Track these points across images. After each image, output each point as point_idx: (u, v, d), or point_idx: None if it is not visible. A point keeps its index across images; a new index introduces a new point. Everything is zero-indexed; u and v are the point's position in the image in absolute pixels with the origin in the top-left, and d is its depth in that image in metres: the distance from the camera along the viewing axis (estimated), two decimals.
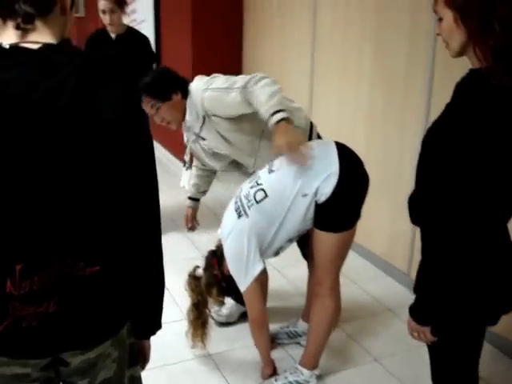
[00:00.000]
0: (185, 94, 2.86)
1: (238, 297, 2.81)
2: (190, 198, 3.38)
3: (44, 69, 1.13)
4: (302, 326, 2.96)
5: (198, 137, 2.93)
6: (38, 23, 1.18)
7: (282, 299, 3.43)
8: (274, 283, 3.31)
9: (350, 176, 2.36)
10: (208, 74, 2.93)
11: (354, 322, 3.23)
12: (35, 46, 1.15)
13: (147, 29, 6.45)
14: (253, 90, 2.49)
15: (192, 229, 3.44)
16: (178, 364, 2.81)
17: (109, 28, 3.99)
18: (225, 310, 3.15)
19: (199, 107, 2.78)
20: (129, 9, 6.97)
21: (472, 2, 1.56)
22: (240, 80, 2.63)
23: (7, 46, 1.12)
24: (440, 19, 1.65)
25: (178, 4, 5.66)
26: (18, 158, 1.12)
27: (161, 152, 6.46)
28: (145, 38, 4.09)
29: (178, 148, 5.97)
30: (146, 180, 1.30)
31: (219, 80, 2.77)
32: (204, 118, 2.79)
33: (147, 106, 2.83)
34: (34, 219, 1.16)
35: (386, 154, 3.59)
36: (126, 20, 7.03)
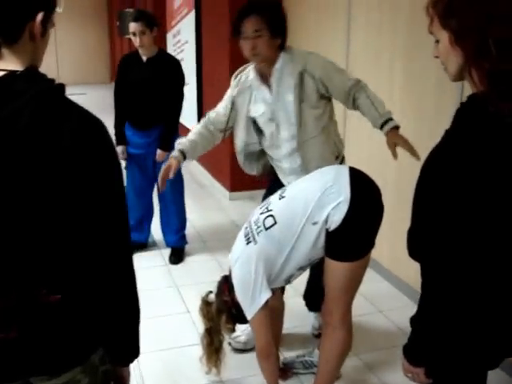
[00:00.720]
0: (282, 45, 2.74)
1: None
2: (180, 150, 2.89)
3: (2, 97, 1.13)
4: (318, 355, 2.85)
5: (277, 93, 2.76)
6: (5, 51, 1.18)
7: (300, 323, 3.35)
8: (294, 306, 3.24)
9: (362, 204, 2.27)
10: None
11: (375, 352, 3.11)
12: (0, 74, 1.15)
13: (190, 49, 6.54)
14: (367, 88, 2.72)
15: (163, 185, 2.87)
16: None
17: (140, 51, 4.03)
18: (243, 337, 3.09)
19: (298, 62, 2.71)
20: (174, 30, 7.14)
21: (467, 22, 1.47)
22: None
23: None
24: (437, 41, 1.57)
25: (217, 23, 5.71)
26: None
27: (205, 176, 6.49)
28: (176, 61, 4.11)
29: (220, 173, 6.00)
30: (108, 206, 1.26)
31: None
32: (301, 74, 2.69)
33: (254, 24, 2.64)
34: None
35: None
36: (170, 42, 7.20)
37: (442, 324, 1.55)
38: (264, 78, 2.80)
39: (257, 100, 2.83)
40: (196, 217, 5.07)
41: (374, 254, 3.44)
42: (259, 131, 2.90)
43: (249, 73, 2.86)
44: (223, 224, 5.09)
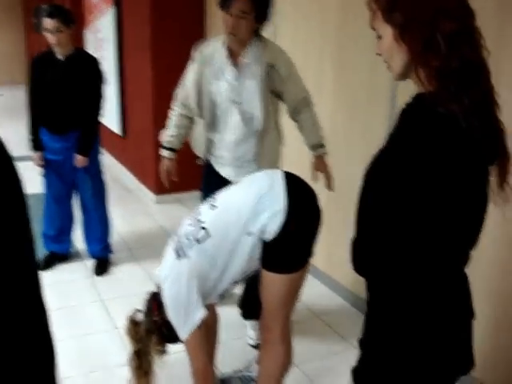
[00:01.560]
0: (258, 32, 2.82)
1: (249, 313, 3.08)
2: (170, 148, 3.10)
3: None
4: (256, 370, 2.70)
5: (241, 77, 2.80)
6: None
7: (237, 335, 3.19)
8: (228, 315, 3.09)
9: (299, 212, 2.13)
10: (169, 89, 3.14)
11: (316, 362, 2.99)
12: None
13: (110, 47, 6.26)
14: (313, 108, 2.95)
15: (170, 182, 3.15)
16: None
17: (56, 49, 3.73)
18: (253, 332, 3.10)
19: (268, 54, 2.80)
20: (92, 27, 6.81)
21: (413, 15, 1.34)
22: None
23: None
24: (379, 37, 1.43)
25: (139, 19, 5.47)
26: None
27: (131, 180, 6.21)
28: (94, 59, 3.84)
29: (146, 176, 5.75)
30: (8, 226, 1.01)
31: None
32: (270, 67, 2.78)
33: (243, 5, 2.67)
34: None
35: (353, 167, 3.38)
36: (88, 39, 6.87)
37: (393, 344, 1.43)
38: (233, 57, 2.82)
39: (220, 77, 2.83)
40: (121, 223, 4.81)
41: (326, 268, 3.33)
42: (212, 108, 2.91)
43: (215, 48, 2.86)
44: (150, 230, 4.86)
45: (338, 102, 3.51)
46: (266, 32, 3.98)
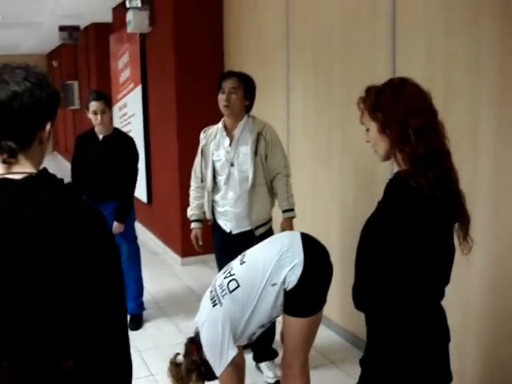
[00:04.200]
0: (249, 108, 3.55)
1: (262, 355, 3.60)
2: (196, 220, 3.75)
3: (25, 200, 1.37)
4: None
5: (236, 145, 3.48)
6: (20, 156, 1.43)
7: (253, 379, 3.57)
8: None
9: (314, 266, 2.59)
10: (193, 159, 3.76)
11: None
12: (19, 177, 1.39)
13: (137, 121, 6.86)
14: (289, 179, 3.56)
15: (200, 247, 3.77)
16: None
17: (97, 128, 4.29)
18: (271, 373, 3.50)
19: (258, 126, 3.49)
20: (120, 103, 7.45)
21: (391, 115, 1.84)
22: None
23: None
24: (367, 129, 1.93)
25: (164, 96, 6.07)
26: (4, 273, 1.34)
27: (157, 244, 6.70)
28: (130, 139, 4.40)
29: (172, 240, 6.23)
30: (110, 283, 1.49)
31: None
32: (258, 134, 3.45)
33: (233, 82, 3.43)
34: (14, 326, 1.37)
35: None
36: (116, 114, 7.50)
37: (387, 363, 1.85)
38: (228, 130, 3.53)
39: (219, 147, 3.51)
40: (150, 283, 5.24)
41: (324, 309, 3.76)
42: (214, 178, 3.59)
43: (216, 128, 3.59)
44: (177, 288, 5.31)
45: (345, 170, 3.99)
46: (280, 109, 4.53)
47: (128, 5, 6.08)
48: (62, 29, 9.31)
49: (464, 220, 1.89)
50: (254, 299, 2.59)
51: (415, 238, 1.78)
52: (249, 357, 3.57)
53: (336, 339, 4.02)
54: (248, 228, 3.52)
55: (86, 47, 10.31)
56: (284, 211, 3.56)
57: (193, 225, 3.77)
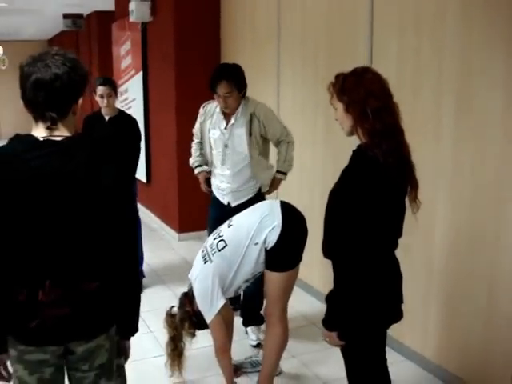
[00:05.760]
0: (244, 95, 3.82)
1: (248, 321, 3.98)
2: (199, 165, 4.14)
3: (66, 155, 1.78)
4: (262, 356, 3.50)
5: (231, 127, 3.81)
6: (59, 123, 1.82)
7: (241, 337, 3.99)
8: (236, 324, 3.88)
9: (291, 228, 2.99)
10: (190, 142, 4.14)
11: (310, 353, 3.78)
12: (58, 139, 1.80)
13: (137, 106, 7.23)
14: (290, 145, 3.91)
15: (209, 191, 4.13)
16: None
17: (104, 110, 4.68)
18: (255, 336, 3.91)
19: (251, 107, 3.79)
20: (121, 88, 7.82)
21: (353, 98, 2.23)
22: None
23: (41, 139, 1.78)
24: (336, 109, 2.33)
25: (165, 83, 6.45)
26: (50, 212, 1.76)
27: (155, 221, 7.13)
28: (134, 121, 4.80)
29: (169, 217, 6.63)
30: (126, 225, 1.93)
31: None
32: (251, 115, 3.76)
33: (226, 87, 3.66)
34: (56, 252, 1.79)
35: None
36: (118, 99, 7.86)
37: (348, 300, 2.25)
38: (225, 114, 3.85)
39: (216, 127, 3.86)
40: (149, 256, 5.63)
41: (307, 278, 4.17)
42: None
43: (216, 106, 3.89)
44: (174, 260, 5.73)
45: (328, 149, 4.39)
46: (271, 94, 4.92)
47: None
48: (65, 16, 9.67)
49: (413, 184, 2.30)
50: (239, 257, 2.99)
51: (372, 198, 2.17)
52: (239, 322, 3.99)
53: (317, 304, 4.41)
54: (245, 199, 3.87)
55: (88, 34, 10.67)
56: (277, 171, 3.96)
57: (197, 170, 4.15)
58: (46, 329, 1.83)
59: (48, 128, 1.79)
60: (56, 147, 1.78)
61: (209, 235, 3.46)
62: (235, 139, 3.82)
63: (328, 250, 2.29)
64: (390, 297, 2.32)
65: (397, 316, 2.36)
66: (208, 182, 4.13)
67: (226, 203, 3.96)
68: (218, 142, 3.89)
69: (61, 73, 1.77)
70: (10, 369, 2.00)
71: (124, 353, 2.13)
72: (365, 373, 2.41)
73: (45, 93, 1.77)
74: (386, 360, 2.47)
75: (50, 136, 1.79)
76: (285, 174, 3.98)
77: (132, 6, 6.55)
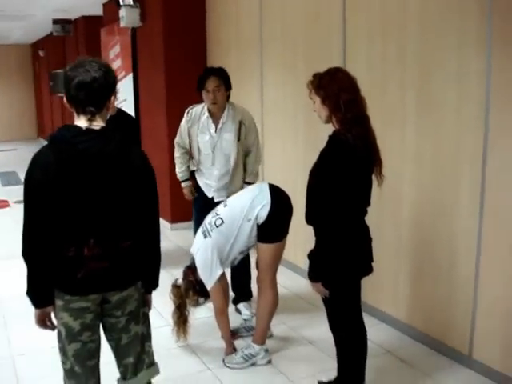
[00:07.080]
0: (228, 97, 4.18)
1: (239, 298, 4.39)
2: (185, 180, 4.49)
3: (105, 140, 2.26)
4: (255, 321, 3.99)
5: (220, 131, 4.15)
6: (97, 116, 2.29)
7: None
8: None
9: (278, 205, 3.48)
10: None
11: (298, 320, 4.29)
12: (97, 128, 2.26)
13: (128, 106, 7.66)
14: (258, 158, 4.40)
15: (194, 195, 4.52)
16: (166, 350, 3.80)
17: None
18: (247, 311, 4.32)
19: (239, 114, 4.15)
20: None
21: (328, 92, 2.73)
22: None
23: (84, 128, 2.25)
24: (314, 102, 2.83)
25: (154, 84, 6.91)
26: (94, 185, 2.23)
27: None
28: (132, 118, 5.25)
29: (162, 209, 7.04)
30: (153, 195, 2.42)
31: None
32: (240, 123, 4.13)
33: (215, 81, 4.04)
34: (98, 217, 2.27)
35: None
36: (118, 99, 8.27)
37: (327, 255, 2.75)
38: (213, 117, 4.17)
39: (205, 132, 4.22)
40: None
41: (291, 258, 4.65)
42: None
43: (201, 111, 4.22)
44: (169, 246, 6.17)
45: (308, 137, 4.88)
46: (255, 94, 5.40)
47: (121, 2, 6.87)
48: (55, 22, 10.01)
49: (378, 163, 2.81)
50: (234, 231, 3.48)
51: (344, 174, 2.68)
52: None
53: (302, 281, 4.90)
54: (225, 197, 4.18)
55: (76, 38, 11.02)
56: (244, 182, 4.31)
57: (184, 184, 4.52)
58: (89, 279, 2.28)
59: (88, 120, 2.26)
60: (96, 134, 2.24)
61: (194, 226, 3.94)
62: (223, 142, 4.18)
63: (310, 218, 2.80)
64: (360, 253, 2.83)
65: (367, 270, 2.87)
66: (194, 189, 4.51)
67: (210, 197, 4.37)
68: (207, 145, 4.23)
69: (98, 76, 2.24)
70: (54, 320, 2.43)
71: (147, 304, 2.59)
72: (344, 319, 2.91)
73: (85, 92, 2.23)
74: (361, 311, 2.98)
75: (91, 126, 2.26)
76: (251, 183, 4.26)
77: (122, 13, 6.97)
